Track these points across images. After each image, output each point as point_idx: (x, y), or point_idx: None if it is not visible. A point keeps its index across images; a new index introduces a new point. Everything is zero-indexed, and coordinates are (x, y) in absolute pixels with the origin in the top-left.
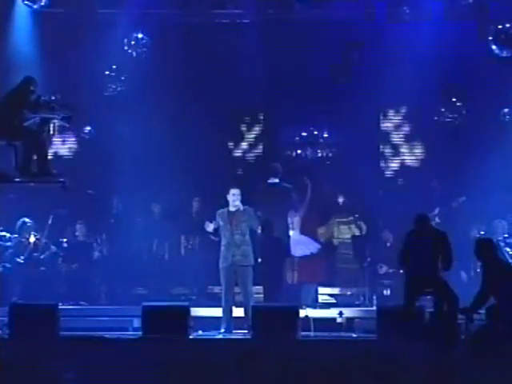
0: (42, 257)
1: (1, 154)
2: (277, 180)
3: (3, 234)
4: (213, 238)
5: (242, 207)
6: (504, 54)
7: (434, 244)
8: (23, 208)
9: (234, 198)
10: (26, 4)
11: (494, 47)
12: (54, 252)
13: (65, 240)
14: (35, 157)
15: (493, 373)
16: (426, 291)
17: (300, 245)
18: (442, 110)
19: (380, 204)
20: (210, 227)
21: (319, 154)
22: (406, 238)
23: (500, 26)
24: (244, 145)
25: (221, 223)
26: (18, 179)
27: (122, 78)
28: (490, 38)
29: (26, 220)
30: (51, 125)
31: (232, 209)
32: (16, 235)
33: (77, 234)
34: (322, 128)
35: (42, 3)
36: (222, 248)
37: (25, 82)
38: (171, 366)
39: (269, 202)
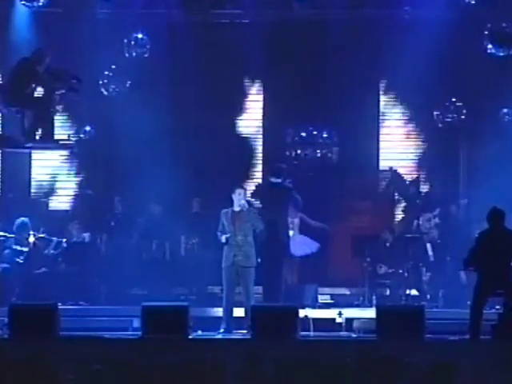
0: (46, 252)
1: (9, 120)
2: (279, 180)
3: (2, 233)
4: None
5: (246, 207)
6: (500, 53)
7: (506, 243)
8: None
9: (239, 197)
10: (24, 4)
11: (489, 46)
12: (56, 243)
13: (64, 240)
14: (42, 124)
15: None
16: (496, 292)
17: (300, 245)
18: (442, 109)
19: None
20: (223, 238)
21: (318, 154)
22: (478, 237)
23: (496, 26)
24: (244, 145)
25: (225, 223)
26: (28, 145)
27: (122, 78)
28: (487, 37)
29: (25, 220)
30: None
31: (236, 209)
32: (13, 235)
33: (73, 233)
34: (321, 128)
35: (40, 3)
36: (225, 248)
37: (36, 53)
38: (171, 366)
39: (269, 202)
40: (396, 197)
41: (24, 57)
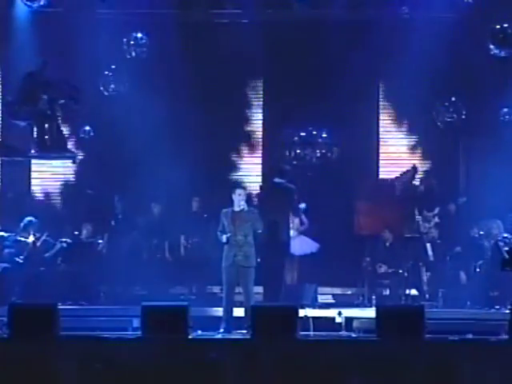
0: (46, 255)
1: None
2: (282, 181)
3: (2, 233)
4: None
5: (246, 208)
6: (502, 53)
7: None
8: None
9: (239, 198)
10: (25, 4)
11: (492, 47)
12: (58, 249)
13: (64, 240)
14: (49, 134)
15: None
16: None
17: (300, 244)
18: (442, 109)
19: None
20: (224, 238)
21: (318, 154)
22: None
23: (498, 26)
24: (243, 145)
25: (225, 223)
26: (32, 154)
27: (122, 78)
28: (489, 38)
29: (33, 220)
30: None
31: (237, 209)
32: (13, 233)
33: (83, 233)
34: (321, 128)
35: (41, 3)
36: (225, 247)
37: (39, 65)
38: (170, 366)
39: (271, 201)
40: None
41: (29, 72)
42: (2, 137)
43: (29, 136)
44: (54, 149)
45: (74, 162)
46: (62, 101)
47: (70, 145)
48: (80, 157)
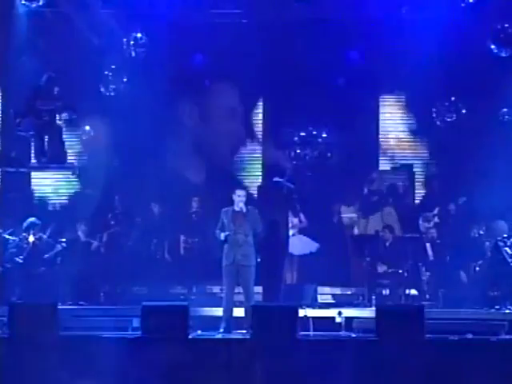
0: (46, 256)
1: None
2: (282, 180)
3: (7, 236)
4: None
5: (245, 209)
6: (503, 53)
7: None
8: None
9: (239, 199)
10: (24, 4)
11: (493, 47)
12: (59, 250)
13: (64, 240)
14: (49, 146)
15: None
16: None
17: (300, 244)
18: (442, 109)
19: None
20: (222, 236)
21: (318, 154)
22: None
23: (499, 26)
24: (243, 144)
25: (225, 221)
26: (32, 165)
27: (122, 78)
28: (490, 38)
29: (36, 221)
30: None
31: (237, 208)
32: (15, 238)
33: (78, 234)
34: (321, 128)
35: (40, 3)
36: (225, 246)
37: (45, 80)
38: (170, 366)
39: (270, 200)
40: None
41: (33, 85)
42: (2, 148)
43: (30, 147)
44: (54, 161)
45: (74, 174)
46: (65, 113)
47: (71, 149)
48: (77, 171)
